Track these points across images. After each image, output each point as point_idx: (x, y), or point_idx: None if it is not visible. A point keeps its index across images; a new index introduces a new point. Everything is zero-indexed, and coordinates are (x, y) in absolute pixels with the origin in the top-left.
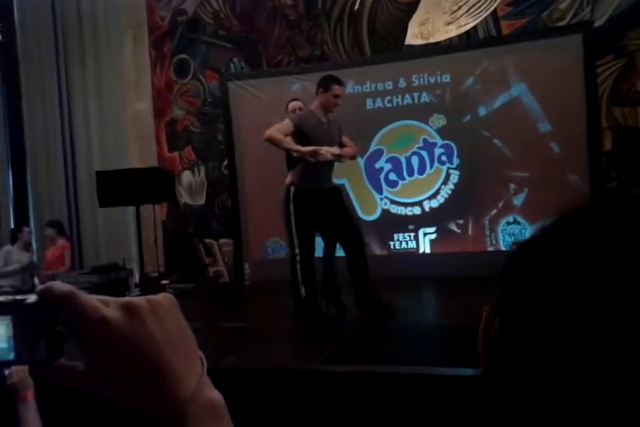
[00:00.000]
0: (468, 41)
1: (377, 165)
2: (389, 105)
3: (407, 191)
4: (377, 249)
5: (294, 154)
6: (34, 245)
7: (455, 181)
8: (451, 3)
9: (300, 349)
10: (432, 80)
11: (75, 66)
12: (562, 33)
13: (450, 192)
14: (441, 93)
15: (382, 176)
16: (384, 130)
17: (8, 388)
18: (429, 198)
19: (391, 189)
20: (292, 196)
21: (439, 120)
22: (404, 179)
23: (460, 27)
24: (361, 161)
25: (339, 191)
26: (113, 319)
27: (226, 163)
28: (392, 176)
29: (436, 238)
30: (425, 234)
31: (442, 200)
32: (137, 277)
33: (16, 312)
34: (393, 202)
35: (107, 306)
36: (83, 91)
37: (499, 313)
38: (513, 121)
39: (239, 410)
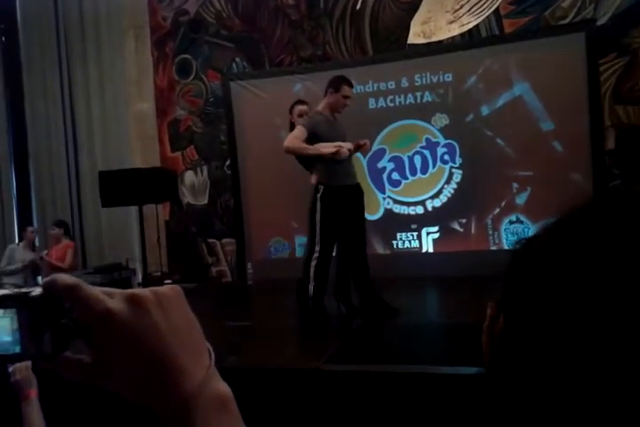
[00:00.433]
0: (470, 40)
1: (380, 165)
2: (392, 104)
3: (410, 191)
4: (380, 248)
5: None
6: (37, 245)
7: (458, 180)
8: (453, 1)
9: (302, 348)
10: (434, 79)
11: (77, 66)
12: (564, 31)
13: (452, 191)
14: (443, 93)
15: (385, 175)
16: (387, 129)
17: (12, 385)
18: (432, 198)
19: (394, 189)
20: (320, 194)
21: (442, 119)
22: (407, 178)
23: (463, 25)
24: (363, 160)
25: (361, 191)
26: (117, 311)
27: (228, 163)
28: (395, 175)
29: (438, 238)
30: (428, 233)
31: (444, 199)
32: (140, 277)
33: (21, 305)
34: (396, 201)
35: (111, 298)
36: (85, 91)
37: (503, 310)
38: (515, 120)
39: (242, 409)
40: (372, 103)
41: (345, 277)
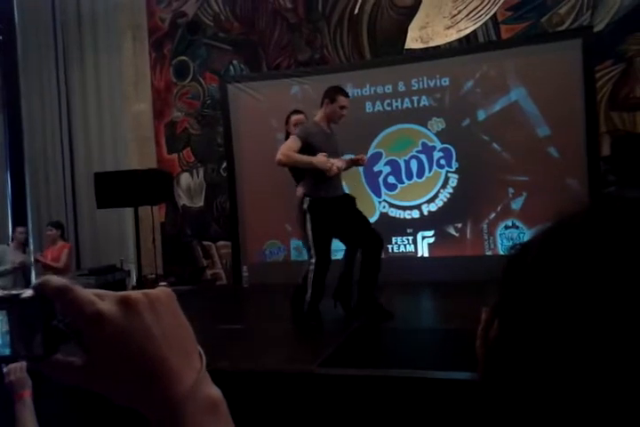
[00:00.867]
0: (467, 45)
1: (376, 169)
2: (389, 108)
3: (406, 195)
4: None
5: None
6: (31, 246)
7: (454, 184)
8: (451, 7)
9: (296, 351)
10: (431, 84)
11: (74, 67)
12: (561, 38)
13: (448, 196)
14: (440, 97)
15: (381, 179)
16: (383, 133)
17: (5, 386)
18: (428, 202)
19: (390, 193)
20: (307, 207)
21: (438, 124)
22: (403, 182)
23: (460, 31)
24: None
25: (352, 198)
26: (108, 313)
27: (225, 165)
28: (391, 179)
29: (434, 242)
30: (423, 238)
31: (440, 204)
32: (134, 279)
33: (11, 307)
34: (391, 205)
35: (102, 300)
36: (82, 92)
37: (498, 316)
38: (512, 125)
39: (235, 413)
40: (368, 107)
41: (348, 279)
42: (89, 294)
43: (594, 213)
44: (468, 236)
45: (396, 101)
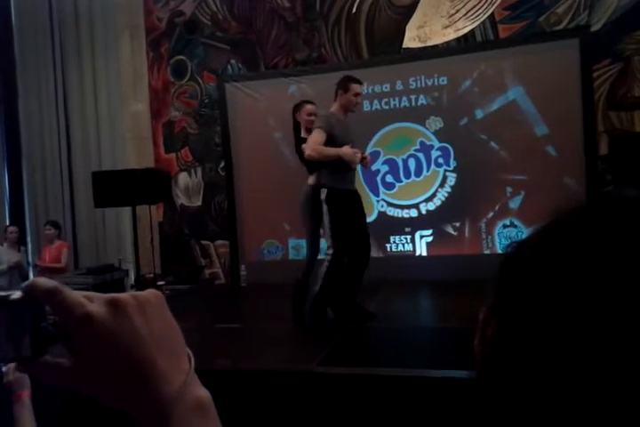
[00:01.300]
0: (465, 44)
1: (374, 168)
2: (387, 107)
3: (404, 194)
4: (373, 251)
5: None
6: (29, 246)
7: (452, 183)
8: (448, 6)
9: (295, 350)
10: (429, 83)
11: (71, 66)
12: (559, 37)
13: (446, 195)
14: (438, 96)
15: (379, 178)
16: (381, 132)
17: (4, 386)
18: (426, 201)
19: (388, 192)
20: (325, 197)
21: (436, 123)
22: (401, 181)
23: (458, 30)
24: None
25: (359, 195)
26: (97, 315)
27: (222, 164)
28: (389, 178)
29: (432, 241)
30: (421, 236)
31: (438, 203)
32: (133, 278)
33: (0, 308)
34: (390, 204)
35: (91, 302)
36: (80, 91)
37: (495, 313)
38: (510, 124)
39: (234, 411)
40: (366, 106)
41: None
42: (78, 295)
43: (590, 212)
44: (467, 235)
45: (394, 100)
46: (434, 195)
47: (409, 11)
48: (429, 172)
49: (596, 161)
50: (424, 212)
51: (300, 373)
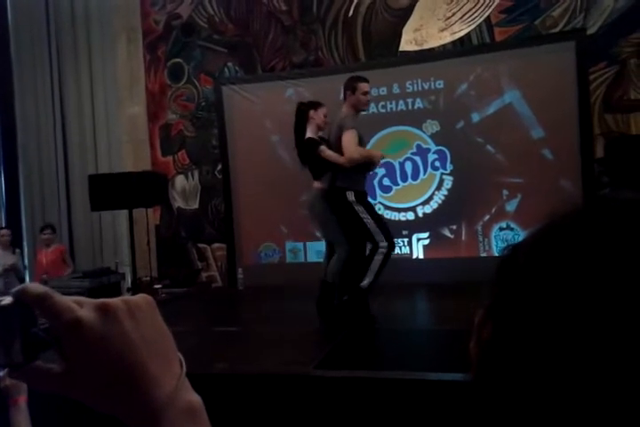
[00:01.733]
0: (461, 47)
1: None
2: (383, 111)
3: (401, 197)
4: None
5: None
6: (25, 249)
7: (448, 186)
8: (445, 9)
9: (293, 353)
10: (426, 86)
11: (68, 69)
12: (555, 40)
13: (443, 198)
14: (435, 99)
15: (376, 181)
16: (378, 135)
17: (1, 391)
18: (423, 204)
19: (385, 195)
20: (353, 199)
21: (433, 126)
22: (398, 184)
23: (454, 33)
24: None
25: None
26: (87, 320)
27: (219, 167)
28: (386, 181)
29: (429, 244)
30: (418, 239)
31: (435, 206)
32: (129, 282)
33: None
34: (386, 207)
35: (81, 307)
36: (76, 94)
37: (491, 317)
38: (506, 127)
39: (231, 415)
40: None
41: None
42: (68, 300)
43: (585, 214)
44: (463, 237)
45: (391, 104)
46: (430, 198)
47: (405, 14)
48: (426, 175)
49: (592, 164)
50: (421, 215)
51: (298, 376)
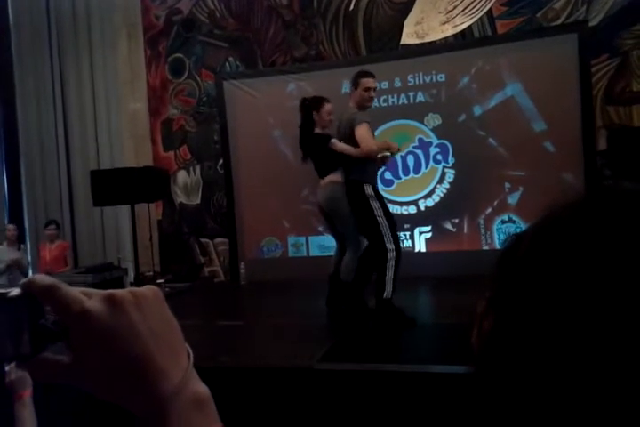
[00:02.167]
0: (463, 40)
1: None
2: (385, 104)
3: (403, 190)
4: None
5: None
6: (28, 244)
7: (450, 180)
8: (446, 2)
9: (295, 347)
10: (427, 79)
11: (69, 65)
12: (557, 32)
13: (445, 191)
14: (436, 93)
15: (378, 175)
16: (380, 129)
17: (6, 385)
18: (425, 197)
19: (387, 188)
20: (371, 193)
21: (434, 119)
22: (400, 178)
23: (456, 26)
24: None
25: None
26: (95, 311)
27: (221, 162)
28: (388, 175)
29: (431, 237)
30: (420, 233)
31: (437, 199)
32: (132, 277)
33: None
34: (388, 201)
35: (89, 298)
36: (77, 89)
37: (492, 308)
38: (508, 120)
39: (235, 408)
40: None
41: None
42: (76, 292)
43: (586, 205)
44: (465, 231)
45: (393, 97)
46: (432, 191)
47: (406, 7)
48: (428, 168)
49: (594, 156)
50: (423, 208)
51: (301, 369)
